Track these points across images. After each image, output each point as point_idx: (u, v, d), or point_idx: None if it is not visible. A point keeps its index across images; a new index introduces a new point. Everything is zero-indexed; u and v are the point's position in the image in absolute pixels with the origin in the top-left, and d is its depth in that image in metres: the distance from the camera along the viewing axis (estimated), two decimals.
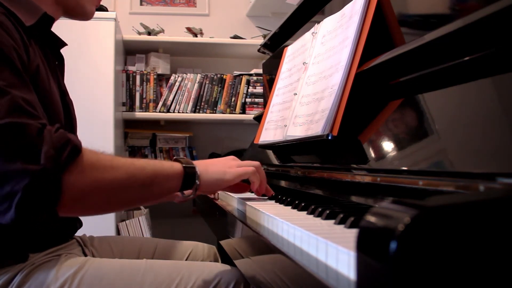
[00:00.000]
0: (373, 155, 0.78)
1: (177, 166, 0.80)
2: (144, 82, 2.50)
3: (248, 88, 2.58)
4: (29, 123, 0.64)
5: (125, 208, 0.74)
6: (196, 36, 2.62)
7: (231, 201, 1.06)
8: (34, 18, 0.86)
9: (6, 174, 0.61)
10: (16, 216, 0.61)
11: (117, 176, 0.71)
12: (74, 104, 1.03)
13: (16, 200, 0.61)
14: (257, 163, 0.92)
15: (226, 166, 0.87)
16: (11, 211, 0.61)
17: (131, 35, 2.53)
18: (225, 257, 1.19)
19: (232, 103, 2.57)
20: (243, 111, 2.58)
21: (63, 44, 1.01)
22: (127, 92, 2.49)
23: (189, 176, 0.81)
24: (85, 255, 1.01)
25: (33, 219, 0.63)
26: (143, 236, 2.23)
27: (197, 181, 0.81)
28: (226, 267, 0.96)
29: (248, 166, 0.89)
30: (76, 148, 0.67)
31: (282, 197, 0.90)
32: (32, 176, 0.61)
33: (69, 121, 0.97)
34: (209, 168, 0.85)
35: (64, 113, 0.93)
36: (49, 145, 0.63)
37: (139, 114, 2.49)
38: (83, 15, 0.99)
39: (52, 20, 0.93)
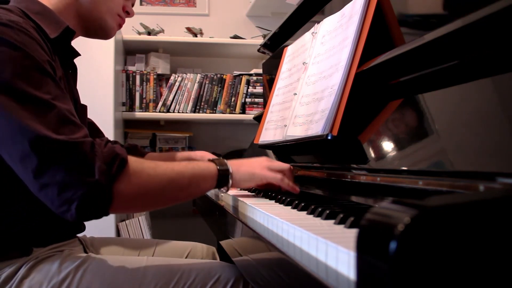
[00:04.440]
0: (373, 155, 0.78)
1: (212, 168, 0.89)
2: (144, 82, 2.50)
3: (248, 88, 2.58)
4: (83, 141, 0.74)
5: (166, 206, 0.85)
6: (196, 36, 2.62)
7: (230, 200, 1.06)
8: (57, 31, 0.91)
9: (66, 184, 0.72)
10: (76, 217, 0.73)
11: (159, 182, 0.80)
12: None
13: (74, 205, 0.72)
14: (287, 167, 0.99)
15: (258, 168, 0.95)
16: (71, 213, 0.72)
17: (131, 35, 2.52)
18: (224, 258, 1.19)
19: (232, 103, 2.57)
20: (243, 111, 2.58)
21: (77, 54, 1.04)
22: (127, 92, 2.49)
23: (223, 176, 0.90)
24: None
25: (89, 218, 0.76)
26: (143, 236, 2.24)
27: (230, 180, 0.90)
28: (226, 264, 0.97)
29: (278, 171, 0.96)
30: (124, 161, 0.76)
31: (282, 197, 0.90)
32: (88, 187, 0.72)
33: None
34: (241, 168, 0.93)
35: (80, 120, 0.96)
36: (101, 160, 0.73)
37: (139, 114, 2.49)
38: (104, 30, 1.04)
39: (73, 33, 0.96)
